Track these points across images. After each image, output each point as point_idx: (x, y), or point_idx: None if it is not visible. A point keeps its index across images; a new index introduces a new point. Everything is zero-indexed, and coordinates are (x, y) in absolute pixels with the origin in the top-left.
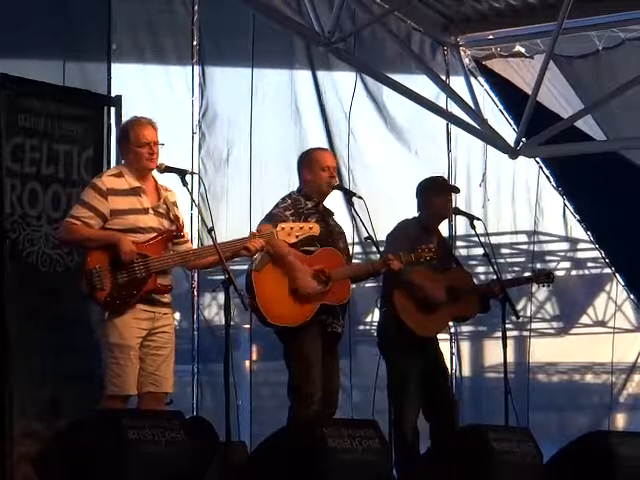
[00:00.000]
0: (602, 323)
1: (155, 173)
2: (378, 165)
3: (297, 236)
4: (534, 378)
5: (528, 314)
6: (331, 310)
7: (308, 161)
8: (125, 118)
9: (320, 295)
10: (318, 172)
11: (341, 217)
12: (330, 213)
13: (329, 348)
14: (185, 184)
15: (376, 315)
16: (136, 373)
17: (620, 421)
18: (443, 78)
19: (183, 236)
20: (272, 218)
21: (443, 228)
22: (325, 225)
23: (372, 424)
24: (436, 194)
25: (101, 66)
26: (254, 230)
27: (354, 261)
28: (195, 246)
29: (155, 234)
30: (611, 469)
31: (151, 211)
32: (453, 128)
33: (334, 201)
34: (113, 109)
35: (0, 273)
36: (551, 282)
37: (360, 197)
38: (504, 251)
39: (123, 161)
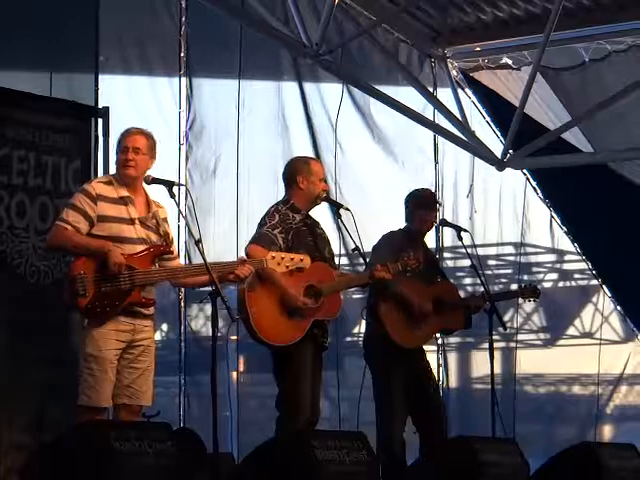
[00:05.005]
0: (589, 334)
1: (147, 186)
2: (365, 176)
3: (287, 266)
4: (521, 389)
5: (515, 325)
6: (322, 324)
7: (305, 170)
8: (112, 130)
9: (312, 311)
10: (316, 182)
11: (327, 228)
12: (317, 223)
13: (315, 359)
14: (172, 196)
15: (363, 326)
16: (111, 386)
17: (606, 432)
18: (430, 90)
19: (172, 252)
20: (261, 239)
21: (430, 239)
22: (313, 238)
23: (359, 436)
24: (420, 208)
25: (88, 78)
26: (242, 250)
27: (341, 271)
28: (182, 258)
29: (142, 246)
30: None
31: (137, 222)
32: (440, 140)
33: (319, 212)
34: (100, 120)
35: None
36: (537, 297)
37: (347, 209)
38: (491, 262)
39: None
